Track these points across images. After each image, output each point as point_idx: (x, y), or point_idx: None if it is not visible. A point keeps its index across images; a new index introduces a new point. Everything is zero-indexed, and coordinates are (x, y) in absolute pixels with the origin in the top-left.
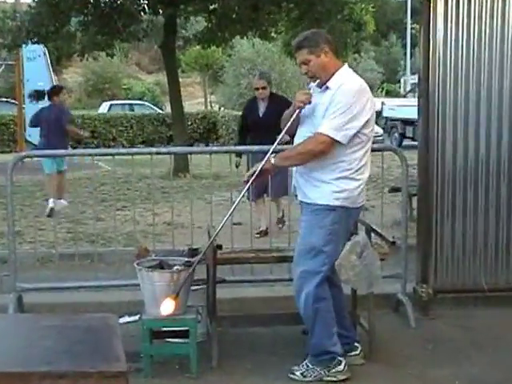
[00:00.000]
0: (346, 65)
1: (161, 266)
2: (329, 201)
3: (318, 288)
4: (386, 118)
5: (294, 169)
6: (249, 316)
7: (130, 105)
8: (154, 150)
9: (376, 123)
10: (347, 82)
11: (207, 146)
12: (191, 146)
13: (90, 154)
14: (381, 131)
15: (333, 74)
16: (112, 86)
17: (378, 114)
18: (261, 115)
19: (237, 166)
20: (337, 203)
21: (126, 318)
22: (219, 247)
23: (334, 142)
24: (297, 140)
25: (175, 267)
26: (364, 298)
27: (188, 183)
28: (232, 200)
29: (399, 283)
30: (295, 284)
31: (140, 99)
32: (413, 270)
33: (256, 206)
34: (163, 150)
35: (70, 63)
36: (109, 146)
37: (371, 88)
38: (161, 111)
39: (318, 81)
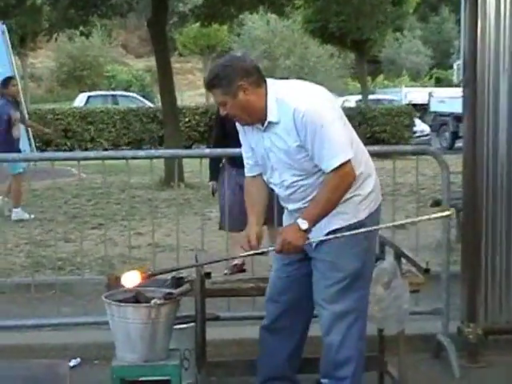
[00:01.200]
0: (269, 82)
1: (136, 299)
2: (357, 216)
3: (365, 320)
4: (435, 112)
5: (290, 207)
6: (250, 362)
7: (114, 96)
8: (129, 153)
9: (421, 119)
10: (293, 101)
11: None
12: (189, 147)
13: (48, 159)
14: (427, 129)
15: (265, 108)
16: (92, 73)
17: (424, 107)
18: None
19: (213, 194)
20: (365, 213)
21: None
22: (207, 275)
23: (351, 161)
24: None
25: (153, 300)
26: (393, 339)
27: (182, 195)
28: None
29: (440, 321)
30: (327, 325)
31: (126, 90)
32: (457, 304)
33: (233, 237)
34: (141, 153)
35: (39, 45)
36: (86, 149)
37: (417, 74)
38: (151, 105)
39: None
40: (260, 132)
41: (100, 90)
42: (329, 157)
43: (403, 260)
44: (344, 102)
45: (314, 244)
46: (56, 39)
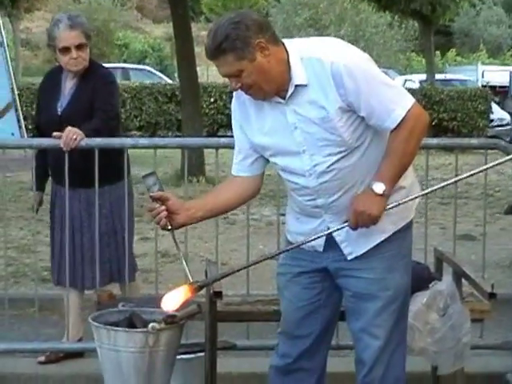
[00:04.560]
0: (286, 42)
1: (131, 321)
2: (409, 214)
3: (405, 346)
4: None
5: (321, 202)
6: None
7: (124, 70)
8: (129, 141)
9: (501, 105)
10: (327, 56)
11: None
12: (213, 134)
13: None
14: (507, 117)
15: (287, 71)
16: (99, 41)
17: (505, 91)
18: (59, 111)
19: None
20: (413, 210)
21: None
22: (217, 295)
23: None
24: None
25: (151, 324)
26: (450, 378)
27: (202, 191)
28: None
29: (509, 357)
30: (374, 358)
31: (140, 62)
32: None
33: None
34: (142, 141)
35: (36, 5)
36: None
37: (498, 49)
38: (170, 81)
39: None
40: (279, 107)
41: (109, 61)
42: (392, 106)
43: (464, 281)
44: (405, 81)
45: (350, 255)
46: None
